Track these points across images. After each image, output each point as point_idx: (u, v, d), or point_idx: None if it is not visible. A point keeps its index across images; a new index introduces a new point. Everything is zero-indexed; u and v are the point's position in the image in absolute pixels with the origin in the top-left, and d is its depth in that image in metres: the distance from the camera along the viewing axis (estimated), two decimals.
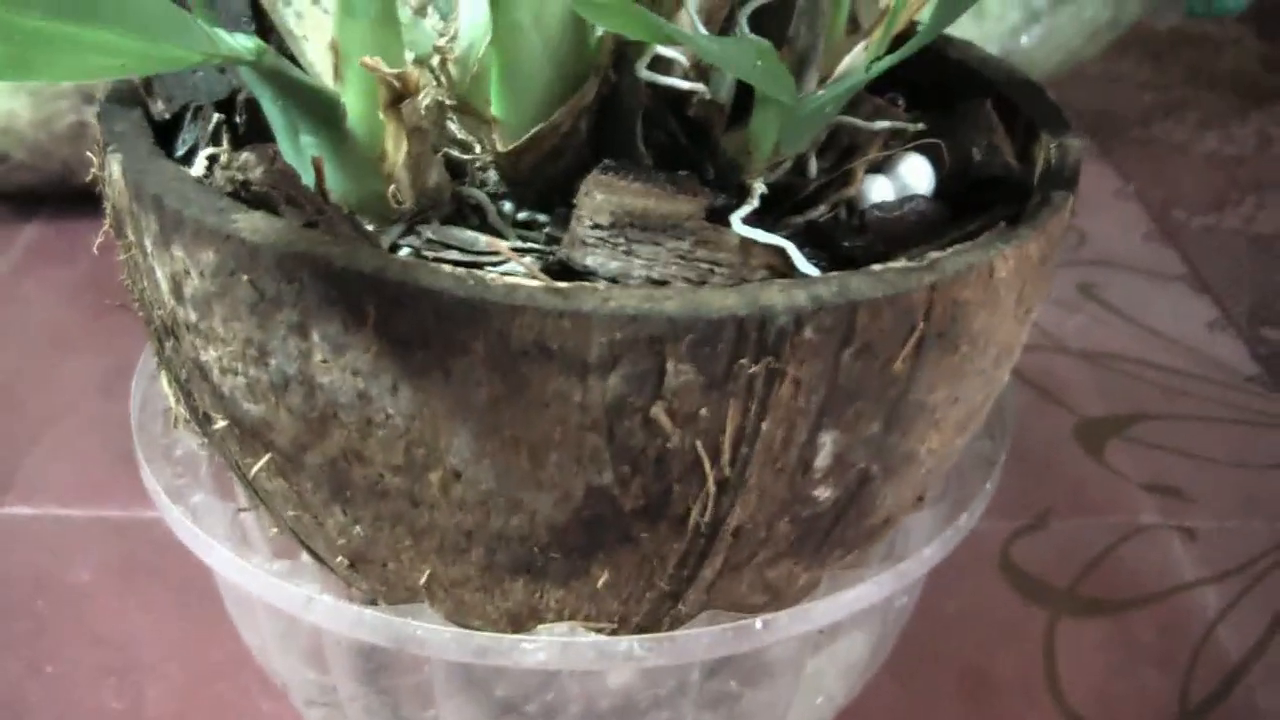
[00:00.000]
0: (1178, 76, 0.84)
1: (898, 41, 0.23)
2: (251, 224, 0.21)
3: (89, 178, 0.26)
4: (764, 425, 0.20)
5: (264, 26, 0.26)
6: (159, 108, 0.26)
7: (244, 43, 0.20)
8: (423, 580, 0.24)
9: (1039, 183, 0.25)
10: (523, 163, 0.24)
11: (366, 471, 0.22)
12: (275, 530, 0.26)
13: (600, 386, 0.20)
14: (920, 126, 0.27)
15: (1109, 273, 0.60)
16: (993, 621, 0.39)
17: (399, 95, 0.22)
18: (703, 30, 0.25)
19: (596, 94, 0.23)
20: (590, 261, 0.21)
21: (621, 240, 0.21)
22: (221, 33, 0.20)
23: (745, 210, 0.23)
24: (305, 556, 0.26)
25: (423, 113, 0.24)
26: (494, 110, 0.23)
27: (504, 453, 0.21)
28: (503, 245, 0.22)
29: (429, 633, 0.23)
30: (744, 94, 0.25)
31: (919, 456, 0.23)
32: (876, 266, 0.21)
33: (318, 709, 0.30)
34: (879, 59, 0.23)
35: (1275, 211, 0.67)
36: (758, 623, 0.23)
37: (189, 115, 0.26)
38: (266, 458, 0.23)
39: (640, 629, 0.24)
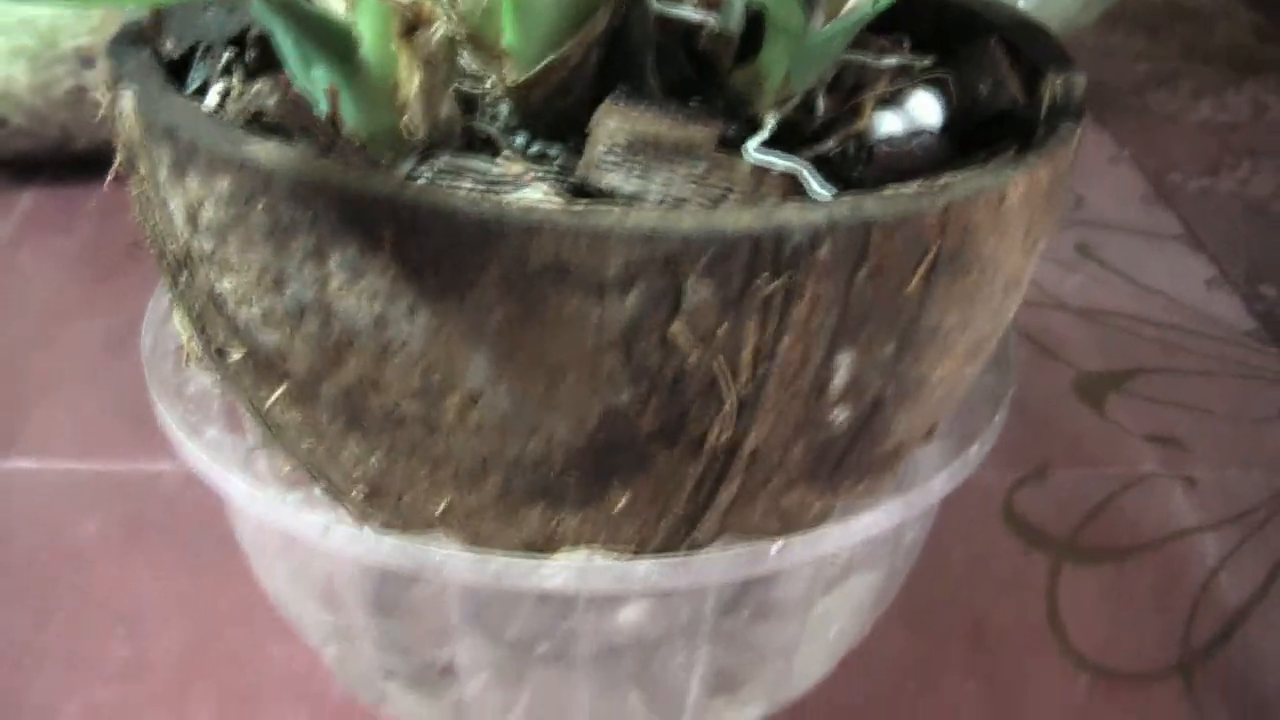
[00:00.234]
0: (1173, 49, 0.85)
1: None
2: (266, 151, 0.21)
3: (98, 117, 0.26)
4: (781, 344, 0.21)
5: None
6: (168, 47, 0.26)
7: None
8: (439, 511, 0.24)
9: (1046, 116, 0.25)
10: (534, 96, 0.24)
11: (383, 399, 0.22)
12: (288, 468, 0.26)
13: (618, 306, 0.20)
14: (927, 62, 0.27)
15: (1106, 234, 0.60)
16: (997, 569, 0.40)
17: (412, 25, 0.22)
18: None
19: (608, 25, 0.23)
20: (608, 182, 0.21)
21: (638, 164, 0.21)
22: None
23: (759, 139, 0.23)
24: (318, 492, 0.26)
25: (434, 44, 0.24)
26: (505, 41, 0.23)
27: (521, 375, 0.21)
28: (517, 167, 0.22)
29: (446, 557, 0.23)
30: (752, 31, 0.25)
31: (930, 382, 0.23)
32: (889, 190, 0.21)
33: (332, 645, 0.30)
34: None
35: (1271, 176, 0.67)
36: (773, 547, 0.24)
37: (199, 53, 0.26)
38: (282, 388, 0.23)
39: (656, 555, 0.24)
